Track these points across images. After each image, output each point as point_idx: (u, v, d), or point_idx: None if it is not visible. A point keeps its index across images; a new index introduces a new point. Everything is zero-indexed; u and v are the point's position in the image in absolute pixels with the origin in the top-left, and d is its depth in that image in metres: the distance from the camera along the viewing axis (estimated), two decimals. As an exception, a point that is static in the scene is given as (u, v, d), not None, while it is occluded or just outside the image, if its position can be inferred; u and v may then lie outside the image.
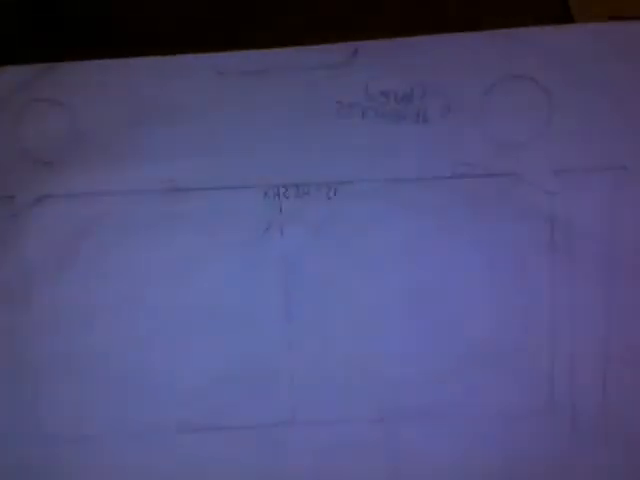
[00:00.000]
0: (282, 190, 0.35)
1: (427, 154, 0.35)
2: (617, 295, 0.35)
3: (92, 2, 0.37)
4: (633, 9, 0.35)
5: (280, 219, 0.35)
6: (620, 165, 0.35)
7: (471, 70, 0.34)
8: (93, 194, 0.35)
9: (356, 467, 0.36)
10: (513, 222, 0.35)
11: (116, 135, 0.35)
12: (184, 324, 0.36)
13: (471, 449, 0.36)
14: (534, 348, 0.36)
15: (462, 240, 0.35)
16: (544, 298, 0.36)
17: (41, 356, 0.36)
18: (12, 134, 0.35)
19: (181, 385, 0.36)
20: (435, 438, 0.36)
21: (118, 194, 0.35)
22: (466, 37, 0.34)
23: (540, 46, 0.34)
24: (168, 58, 0.35)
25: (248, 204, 0.35)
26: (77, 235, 0.36)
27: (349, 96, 0.34)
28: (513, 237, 0.35)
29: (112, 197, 0.35)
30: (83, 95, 0.35)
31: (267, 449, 0.36)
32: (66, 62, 0.35)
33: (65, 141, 0.35)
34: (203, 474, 0.36)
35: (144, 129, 0.35)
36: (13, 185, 0.35)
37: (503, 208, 0.35)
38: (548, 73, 0.34)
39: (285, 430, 0.36)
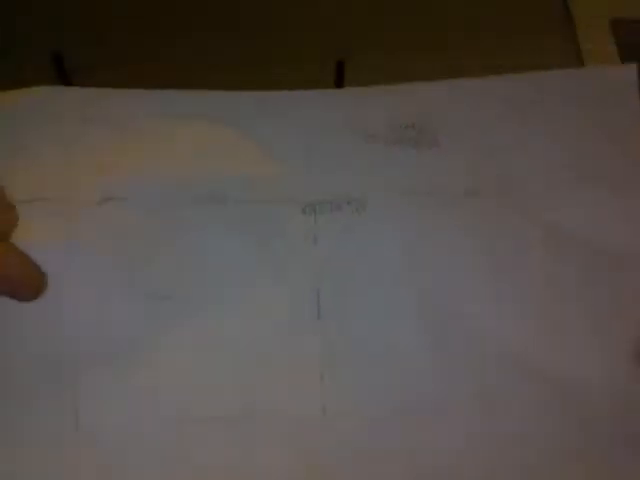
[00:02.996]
0: (318, 207, 0.42)
1: (440, 173, 0.42)
2: (599, 283, 0.40)
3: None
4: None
5: (315, 230, 0.41)
6: (600, 175, 0.41)
7: (472, 108, 0.42)
8: (145, 199, 0.41)
9: (378, 451, 0.39)
10: (512, 228, 0.41)
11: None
12: (230, 318, 0.40)
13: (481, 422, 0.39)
14: (531, 336, 0.40)
15: (468, 244, 0.41)
16: (538, 290, 0.40)
17: (84, 349, 0.39)
18: (75, 139, 0.41)
19: (220, 376, 0.39)
20: (447, 425, 0.39)
21: (170, 201, 0.41)
22: (469, 82, 0.42)
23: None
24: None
25: (289, 218, 0.41)
26: (132, 236, 0.40)
27: (374, 128, 0.42)
28: (511, 239, 0.41)
29: (164, 203, 0.41)
30: (134, 115, 0.42)
31: (301, 438, 0.39)
32: (120, 89, 0.42)
33: (122, 148, 0.41)
34: (243, 459, 0.38)
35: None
36: (75, 187, 0.40)
37: (503, 215, 0.41)
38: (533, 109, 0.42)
39: (317, 422, 0.39)
